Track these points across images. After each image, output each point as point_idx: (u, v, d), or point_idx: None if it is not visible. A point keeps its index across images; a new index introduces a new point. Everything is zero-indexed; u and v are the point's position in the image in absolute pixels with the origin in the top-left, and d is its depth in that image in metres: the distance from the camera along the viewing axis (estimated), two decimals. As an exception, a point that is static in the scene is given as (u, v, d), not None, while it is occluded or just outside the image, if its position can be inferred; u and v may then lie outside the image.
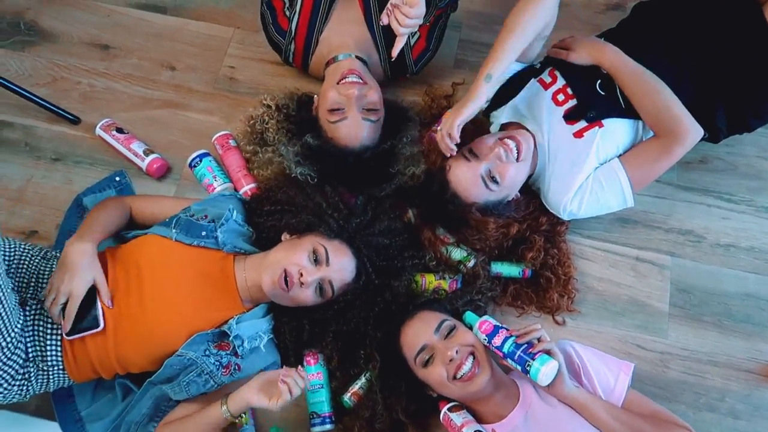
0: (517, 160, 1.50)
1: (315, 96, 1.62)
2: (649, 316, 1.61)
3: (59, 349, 1.31)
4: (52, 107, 1.74)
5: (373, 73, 1.64)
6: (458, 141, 1.47)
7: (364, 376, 1.46)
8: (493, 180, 1.48)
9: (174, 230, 1.40)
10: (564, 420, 1.27)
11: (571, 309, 1.60)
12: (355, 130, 1.50)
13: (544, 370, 1.22)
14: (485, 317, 1.35)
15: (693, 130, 1.44)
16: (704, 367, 1.56)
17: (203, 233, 1.41)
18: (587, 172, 1.52)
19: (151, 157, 1.69)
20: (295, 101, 1.66)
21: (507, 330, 1.31)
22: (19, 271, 1.35)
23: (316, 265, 1.34)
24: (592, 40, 1.58)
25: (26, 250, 1.40)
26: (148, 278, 1.33)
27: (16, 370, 1.26)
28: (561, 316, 1.60)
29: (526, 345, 1.27)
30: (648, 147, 1.51)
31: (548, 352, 1.25)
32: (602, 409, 1.26)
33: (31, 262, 1.38)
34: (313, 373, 1.47)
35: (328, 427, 1.46)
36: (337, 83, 1.52)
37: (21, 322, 1.26)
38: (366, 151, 1.52)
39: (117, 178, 1.70)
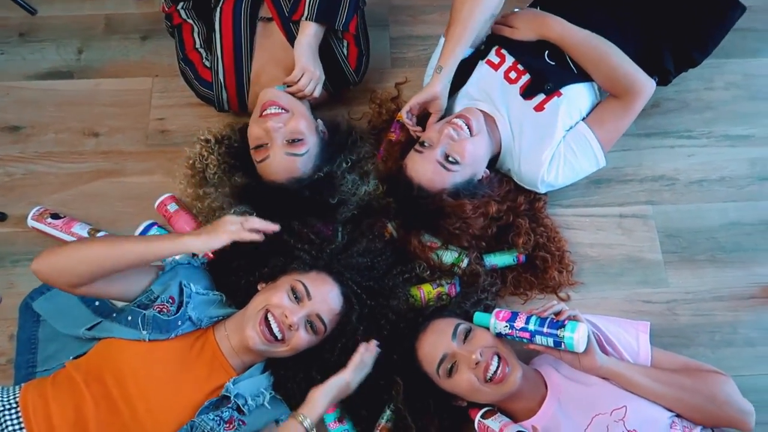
0: (471, 135, 1.46)
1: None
2: (646, 269, 1.61)
3: None
4: (-30, 210, 1.57)
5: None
6: (415, 116, 1.51)
7: (388, 408, 1.39)
8: (451, 161, 1.44)
9: (145, 332, 1.24)
10: (601, 395, 1.24)
11: (573, 282, 1.57)
12: (279, 165, 1.42)
13: (578, 335, 1.17)
14: (497, 308, 1.30)
15: (647, 85, 1.46)
16: (710, 305, 1.58)
17: (179, 323, 1.28)
18: (557, 142, 1.50)
19: (99, 236, 1.54)
20: (236, 132, 1.56)
21: (524, 313, 1.26)
22: None
23: (298, 303, 1.25)
24: (532, 13, 1.55)
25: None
26: (134, 388, 1.19)
27: None
28: (564, 291, 1.57)
29: (550, 318, 1.22)
30: (609, 107, 1.51)
31: (574, 319, 1.21)
32: (639, 373, 1.23)
33: None
34: (334, 421, 1.39)
35: (364, 473, 1.37)
36: (259, 117, 1.44)
37: None
38: (297, 183, 1.43)
39: None
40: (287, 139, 1.42)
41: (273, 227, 1.25)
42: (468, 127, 1.45)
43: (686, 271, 1.61)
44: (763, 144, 1.75)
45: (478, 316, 1.30)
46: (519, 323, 1.23)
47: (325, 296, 1.29)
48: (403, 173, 1.47)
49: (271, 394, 1.32)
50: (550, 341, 1.20)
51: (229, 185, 1.45)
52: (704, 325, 1.55)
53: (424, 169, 1.45)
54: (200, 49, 1.63)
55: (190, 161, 1.52)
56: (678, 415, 1.22)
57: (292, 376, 1.34)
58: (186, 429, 1.21)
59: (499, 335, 1.26)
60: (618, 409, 1.21)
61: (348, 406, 1.38)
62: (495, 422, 1.27)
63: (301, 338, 1.25)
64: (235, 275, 1.41)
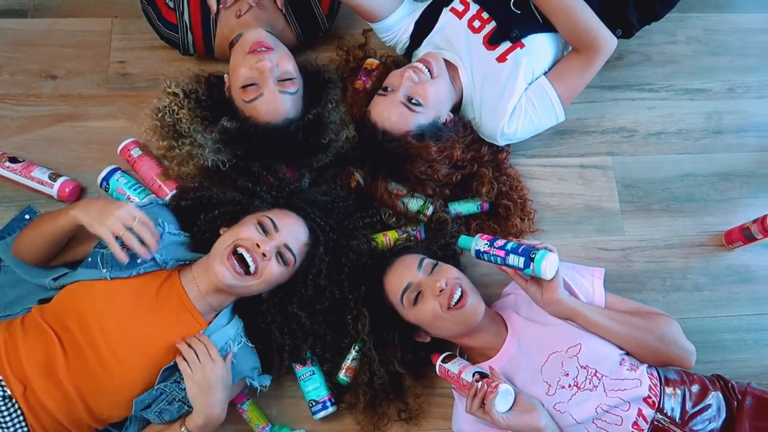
0: (432, 77, 1.47)
1: (225, 75, 1.49)
2: (604, 218, 1.67)
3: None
4: None
5: (283, 40, 1.52)
6: None
7: (353, 349, 1.43)
8: (414, 102, 1.45)
9: (105, 270, 1.24)
10: (558, 334, 1.30)
11: (534, 229, 1.62)
12: (274, 104, 1.39)
13: (547, 261, 1.19)
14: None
15: (609, 41, 1.49)
16: (663, 252, 1.65)
17: (139, 260, 1.26)
18: (518, 94, 1.52)
19: (60, 180, 1.51)
20: (203, 84, 1.52)
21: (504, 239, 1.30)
22: None
23: (266, 236, 1.26)
24: None
25: None
26: (97, 329, 1.19)
27: None
28: (525, 238, 1.61)
29: (526, 245, 1.25)
30: (571, 62, 1.53)
31: (548, 249, 1.24)
32: (596, 312, 1.29)
33: None
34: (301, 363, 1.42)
35: (330, 409, 1.42)
36: (247, 54, 1.40)
37: None
38: (290, 124, 1.42)
39: (27, 216, 1.50)
40: (279, 79, 1.40)
41: (148, 251, 1.21)
42: (428, 71, 1.46)
43: (641, 220, 1.67)
44: (719, 98, 1.81)
45: (463, 239, 1.35)
46: (498, 243, 1.27)
47: (291, 228, 1.30)
48: (368, 118, 1.48)
49: (241, 342, 1.32)
50: (521, 261, 1.22)
51: (217, 131, 1.41)
52: (656, 271, 1.63)
53: (388, 112, 1.45)
54: None
55: (159, 113, 1.48)
56: (627, 354, 1.30)
57: (275, 325, 1.34)
58: (155, 394, 1.22)
59: (478, 254, 1.29)
60: (573, 346, 1.27)
61: (314, 346, 1.41)
62: (454, 365, 1.32)
63: (273, 270, 1.24)
64: (198, 219, 1.39)
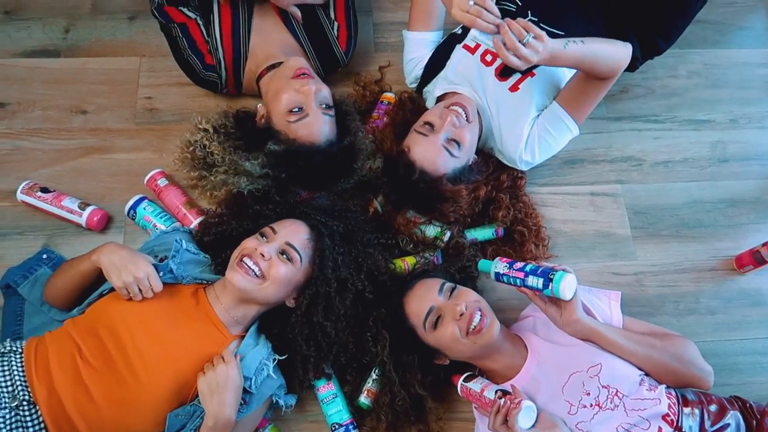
0: (468, 121, 1.53)
1: (259, 105, 1.57)
2: (616, 244, 1.71)
3: None
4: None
5: None
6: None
7: (374, 372, 1.45)
8: (456, 144, 1.50)
9: None
10: (577, 354, 1.31)
11: (548, 255, 1.65)
12: (318, 125, 1.47)
13: (566, 282, 1.23)
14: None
15: (625, 61, 1.48)
16: (675, 277, 1.68)
17: (161, 274, 1.31)
18: (532, 119, 1.58)
19: (89, 210, 1.56)
20: (231, 119, 1.59)
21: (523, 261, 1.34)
22: None
23: (267, 241, 1.31)
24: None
25: None
26: (128, 340, 1.22)
27: None
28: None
29: (545, 267, 1.28)
30: (580, 86, 1.56)
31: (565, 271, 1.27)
32: (614, 332, 1.31)
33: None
34: (323, 384, 1.43)
35: (353, 434, 1.43)
36: (291, 79, 1.48)
37: None
38: (332, 146, 1.49)
39: (44, 256, 1.54)
40: (321, 103, 1.48)
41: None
42: (465, 114, 1.52)
43: (652, 246, 1.71)
44: (722, 129, 1.87)
45: (483, 263, 1.39)
46: (517, 265, 1.31)
47: (290, 228, 1.34)
48: (406, 156, 1.50)
49: (273, 362, 1.34)
50: (540, 282, 1.26)
51: (263, 155, 1.48)
52: (669, 295, 1.65)
53: (429, 153, 1.48)
54: (207, 39, 1.64)
55: (190, 147, 1.55)
56: (647, 374, 1.31)
57: (302, 337, 1.36)
58: (190, 411, 1.23)
59: (497, 276, 1.33)
60: (593, 366, 1.29)
61: (338, 356, 1.41)
62: (476, 384, 1.33)
63: (279, 268, 1.28)
64: (216, 250, 1.44)
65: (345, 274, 1.36)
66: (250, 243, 1.30)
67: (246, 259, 1.28)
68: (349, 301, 1.37)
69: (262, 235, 1.32)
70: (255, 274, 1.27)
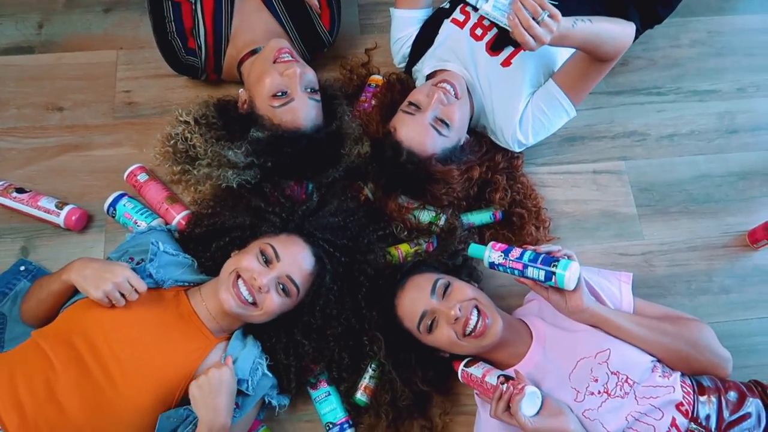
0: (457, 98, 1.45)
1: (240, 90, 1.50)
2: (621, 223, 1.62)
3: None
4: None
5: None
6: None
7: (370, 367, 1.38)
8: (444, 124, 1.43)
9: None
10: (585, 340, 1.24)
11: (550, 238, 1.57)
12: (304, 110, 1.41)
13: (569, 272, 1.14)
14: (493, 241, 1.26)
15: (628, 42, 1.40)
16: (685, 255, 1.59)
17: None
18: (526, 96, 1.50)
19: (67, 209, 1.50)
20: (212, 108, 1.52)
21: (519, 247, 1.23)
22: None
23: (267, 266, 1.23)
24: None
25: None
26: (104, 347, 1.15)
27: None
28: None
29: (544, 254, 1.18)
30: (579, 65, 1.48)
31: (568, 257, 1.18)
32: (623, 318, 1.23)
33: None
34: (316, 382, 1.37)
35: (349, 432, 1.36)
36: (274, 63, 1.41)
37: None
38: (318, 131, 1.43)
39: (22, 267, 1.47)
40: (307, 87, 1.42)
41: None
42: (454, 91, 1.45)
43: (660, 223, 1.62)
44: (729, 98, 1.78)
45: (473, 248, 1.26)
46: (514, 254, 1.20)
47: (294, 257, 1.26)
48: (392, 136, 1.44)
49: (266, 360, 1.29)
50: (542, 274, 1.16)
51: (247, 142, 1.41)
52: (680, 275, 1.57)
53: (416, 132, 1.42)
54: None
55: (171, 140, 1.49)
56: (659, 360, 1.23)
57: (278, 343, 1.31)
58: (183, 415, 1.18)
59: (492, 265, 1.22)
60: (602, 351, 1.21)
61: (330, 370, 1.36)
62: (477, 369, 1.26)
63: (274, 301, 1.22)
64: (206, 244, 1.39)
65: (335, 311, 1.31)
66: (247, 262, 1.22)
67: (241, 285, 1.20)
68: (338, 328, 1.33)
69: (263, 255, 1.23)
70: (249, 301, 1.20)
